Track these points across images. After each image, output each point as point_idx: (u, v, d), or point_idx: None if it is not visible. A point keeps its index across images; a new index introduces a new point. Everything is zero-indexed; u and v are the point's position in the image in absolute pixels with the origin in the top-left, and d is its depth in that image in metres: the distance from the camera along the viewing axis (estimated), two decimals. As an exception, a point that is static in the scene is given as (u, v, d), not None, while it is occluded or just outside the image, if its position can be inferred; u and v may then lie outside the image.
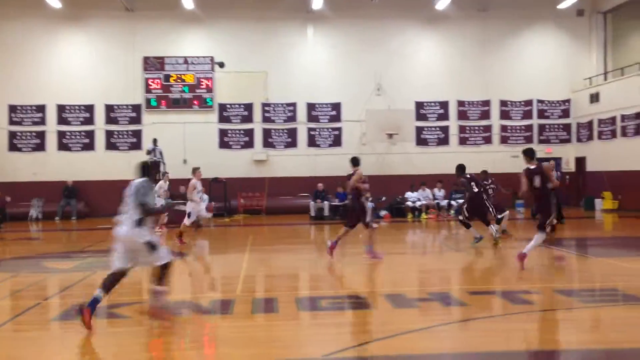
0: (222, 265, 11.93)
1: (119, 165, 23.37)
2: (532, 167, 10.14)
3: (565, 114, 25.95)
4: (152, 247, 6.57)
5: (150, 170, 7.09)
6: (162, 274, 6.73)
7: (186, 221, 14.17)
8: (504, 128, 25.75)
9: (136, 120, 24.60)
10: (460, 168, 13.53)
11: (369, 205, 20.41)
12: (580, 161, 25.50)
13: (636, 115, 21.78)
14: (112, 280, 6.66)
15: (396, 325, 6.56)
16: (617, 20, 25.96)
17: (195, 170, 14.79)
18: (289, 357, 5.66)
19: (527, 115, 25.82)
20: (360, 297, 8.17)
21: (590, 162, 24.81)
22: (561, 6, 24.63)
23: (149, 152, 22.46)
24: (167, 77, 24.57)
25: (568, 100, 25.88)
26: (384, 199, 21.92)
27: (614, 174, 22.95)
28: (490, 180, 14.58)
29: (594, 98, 24.48)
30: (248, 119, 25.05)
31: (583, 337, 6.24)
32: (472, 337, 6.27)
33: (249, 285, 9.33)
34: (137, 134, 24.54)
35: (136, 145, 24.40)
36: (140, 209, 6.60)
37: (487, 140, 25.70)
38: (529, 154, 10.35)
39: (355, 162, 11.87)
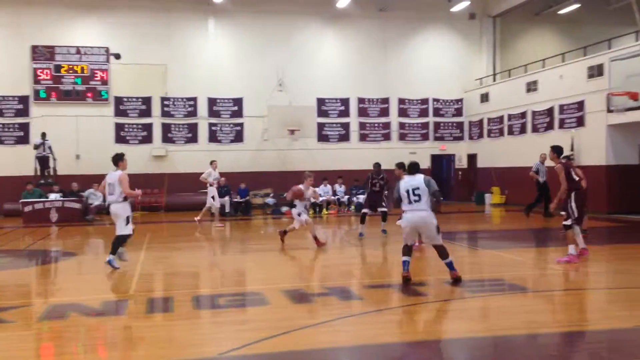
0: (116, 265, 11.46)
1: (5, 160, 21.98)
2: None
3: (459, 112, 27.18)
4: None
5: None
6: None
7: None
8: (402, 125, 26.58)
9: (23, 112, 23.19)
10: (402, 165, 13.82)
11: (270, 201, 20.50)
12: (471, 158, 26.82)
13: (521, 115, 23.18)
14: None
15: (293, 320, 6.60)
16: (506, 24, 27.52)
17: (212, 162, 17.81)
18: (184, 357, 5.54)
19: (424, 113, 26.80)
20: (258, 293, 8.13)
21: (481, 158, 26.16)
22: (454, 9, 25.74)
23: (36, 147, 21.31)
24: (57, 68, 23.32)
25: (461, 100, 27.12)
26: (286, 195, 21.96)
27: (501, 170, 24.33)
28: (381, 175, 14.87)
29: (484, 98, 25.82)
30: (146, 113, 24.30)
31: (472, 326, 6.54)
32: (368, 329, 6.41)
33: (144, 285, 9.04)
34: (25, 127, 23.15)
35: (23, 140, 23.04)
36: None
37: (386, 137, 26.43)
38: (557, 151, 10.66)
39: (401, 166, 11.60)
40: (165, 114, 24.41)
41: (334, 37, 26.08)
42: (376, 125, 26.33)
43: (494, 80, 26.41)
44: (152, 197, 23.09)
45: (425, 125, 26.85)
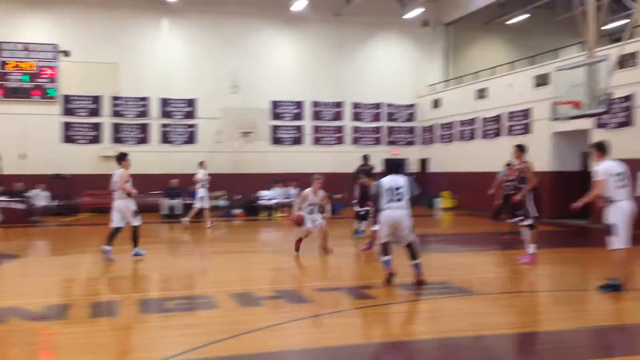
0: (60, 267, 11.12)
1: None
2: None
3: (411, 117, 27.55)
4: None
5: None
6: None
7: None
8: (355, 129, 26.76)
9: (-35, 109, 22.34)
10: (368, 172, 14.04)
11: (222, 203, 20.28)
12: (423, 162, 27.23)
13: (471, 121, 23.67)
14: None
15: (242, 324, 6.55)
16: (458, 32, 28.08)
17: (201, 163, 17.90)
18: (128, 362, 5.43)
19: (377, 117, 27.06)
20: (207, 297, 8.04)
21: (432, 163, 26.59)
22: (408, 16, 26.09)
23: (-21, 145, 20.53)
24: (2, 64, 22.55)
25: (414, 105, 27.50)
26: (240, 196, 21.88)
27: (452, 175, 24.78)
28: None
29: (436, 104, 26.27)
30: (96, 112, 23.74)
31: (421, 328, 6.63)
32: (317, 332, 6.42)
33: (89, 288, 8.82)
34: (-33, 125, 22.29)
35: (-35, 137, 22.16)
36: None
37: (340, 141, 26.56)
38: (522, 150, 10.87)
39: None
40: (115, 113, 23.90)
41: (289, 40, 26.07)
42: (330, 128, 26.43)
43: (446, 86, 26.90)
44: (100, 199, 22.53)
45: (378, 130, 27.11)
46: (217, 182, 23.16)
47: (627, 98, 16.39)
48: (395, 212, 8.58)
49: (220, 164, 23.96)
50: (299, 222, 11.43)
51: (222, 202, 22.52)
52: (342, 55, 26.52)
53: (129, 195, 11.23)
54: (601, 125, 17.22)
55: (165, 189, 21.87)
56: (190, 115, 24.66)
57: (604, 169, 8.05)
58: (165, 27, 24.60)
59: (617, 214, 7.98)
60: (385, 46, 27.21)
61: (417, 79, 27.48)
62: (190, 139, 24.64)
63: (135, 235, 11.31)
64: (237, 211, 21.40)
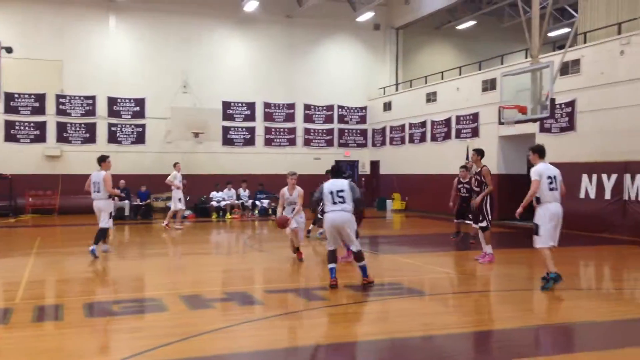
0: (1, 270, 10.74)
1: None
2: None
3: (363, 120, 27.79)
4: None
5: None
6: None
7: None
8: (307, 131, 26.80)
9: None
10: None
11: (180, 206, 19.91)
12: (374, 164, 27.50)
13: (421, 124, 24.05)
14: None
15: (192, 327, 6.45)
16: (408, 36, 28.51)
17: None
18: (73, 367, 5.27)
19: (329, 119, 27.18)
20: (156, 299, 7.89)
21: (383, 165, 26.88)
22: (360, 19, 26.33)
23: None
24: (-60, 59, 21.57)
25: (365, 108, 27.75)
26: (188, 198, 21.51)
27: (402, 177, 25.11)
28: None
29: (387, 107, 26.58)
30: (40, 110, 23.02)
31: (371, 329, 6.67)
32: (268, 334, 6.38)
33: (32, 292, 8.50)
34: None
35: None
36: None
37: (292, 142, 26.55)
38: (481, 154, 11.37)
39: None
40: (60, 112, 23.22)
41: (240, 40, 25.90)
42: (281, 130, 26.39)
43: (397, 89, 27.25)
44: (44, 199, 21.91)
45: (330, 132, 27.23)
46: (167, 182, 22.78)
47: (570, 104, 16.98)
48: (336, 215, 8.59)
49: (170, 164, 23.42)
50: (283, 224, 10.86)
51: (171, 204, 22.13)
52: (294, 57, 26.53)
53: (111, 197, 11.63)
54: (545, 130, 17.78)
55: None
56: (139, 114, 24.19)
57: (539, 170, 8.48)
58: (113, 25, 24.06)
59: (544, 215, 8.43)
60: (337, 49, 27.37)
61: (369, 82, 27.75)
62: (139, 139, 24.17)
63: (101, 235, 11.50)
64: (188, 212, 21.09)
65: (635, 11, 17.20)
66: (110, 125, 23.85)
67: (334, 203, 8.58)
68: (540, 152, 8.76)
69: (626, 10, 17.45)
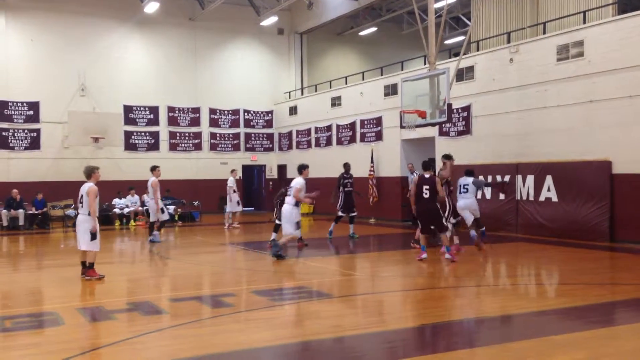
0: None
1: None
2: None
3: (269, 124, 27.83)
4: None
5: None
6: None
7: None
8: (213, 135, 26.49)
9: None
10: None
11: (71, 212, 18.96)
12: (281, 168, 27.59)
13: (327, 128, 24.41)
14: None
15: (92, 340, 6.23)
16: (312, 41, 28.86)
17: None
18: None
19: (235, 124, 27.00)
20: (52, 313, 7.52)
21: (291, 169, 27.00)
22: (264, 24, 26.36)
23: None
24: None
25: (271, 112, 27.80)
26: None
27: (309, 180, 25.22)
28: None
29: (293, 111, 26.76)
30: None
31: (281, 333, 6.68)
32: (173, 344, 6.25)
33: None
34: None
35: None
36: None
37: (197, 147, 26.15)
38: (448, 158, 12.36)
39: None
40: (-56, 116, 21.64)
41: (141, 43, 25.21)
42: (187, 134, 25.93)
43: (302, 94, 27.50)
44: None
45: (236, 136, 27.05)
46: (65, 190, 21.75)
47: (466, 108, 17.83)
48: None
49: (68, 170, 22.48)
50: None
51: (70, 212, 21.16)
52: (198, 61, 26.16)
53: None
54: (444, 134, 18.57)
55: (5, 199, 20.18)
56: (32, 119, 22.95)
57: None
58: (2, 25, 22.70)
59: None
60: (241, 52, 27.26)
61: (275, 86, 27.84)
62: (34, 145, 22.93)
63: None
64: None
65: (523, 21, 18.35)
66: (2, 130, 22.48)
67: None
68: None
69: (514, 20, 18.58)
